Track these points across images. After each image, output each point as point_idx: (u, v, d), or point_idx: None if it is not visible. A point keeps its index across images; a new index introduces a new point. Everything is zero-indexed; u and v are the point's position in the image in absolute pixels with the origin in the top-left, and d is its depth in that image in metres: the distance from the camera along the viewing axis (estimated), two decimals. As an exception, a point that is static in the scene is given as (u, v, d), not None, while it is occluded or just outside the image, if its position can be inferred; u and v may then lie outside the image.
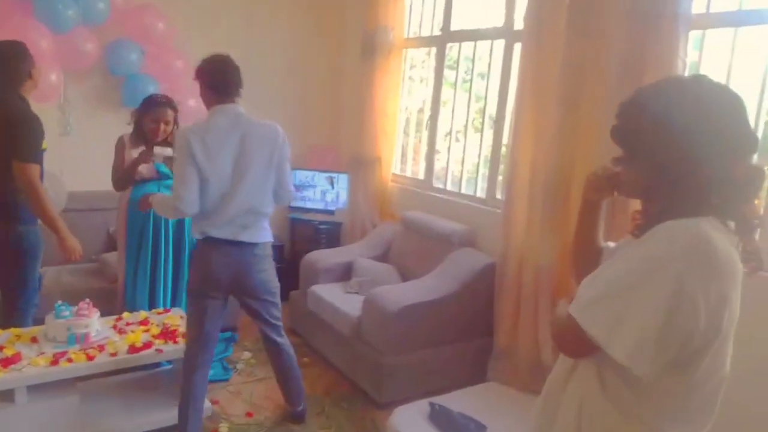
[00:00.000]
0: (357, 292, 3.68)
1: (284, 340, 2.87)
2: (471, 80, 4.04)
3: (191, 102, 4.23)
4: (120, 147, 3.19)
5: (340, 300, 3.56)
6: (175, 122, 3.20)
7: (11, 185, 2.75)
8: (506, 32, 3.66)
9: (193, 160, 2.41)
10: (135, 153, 3.12)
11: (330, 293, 3.65)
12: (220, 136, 2.48)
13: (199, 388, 2.63)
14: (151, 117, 3.09)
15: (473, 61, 4.02)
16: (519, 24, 3.55)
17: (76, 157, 4.02)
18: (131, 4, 3.95)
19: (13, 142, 2.70)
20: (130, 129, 3.22)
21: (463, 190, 4.08)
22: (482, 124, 3.97)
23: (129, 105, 4.03)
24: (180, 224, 3.25)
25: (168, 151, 3.02)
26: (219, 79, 2.57)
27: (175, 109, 3.17)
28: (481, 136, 3.97)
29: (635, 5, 2.63)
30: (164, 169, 3.12)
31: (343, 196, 4.72)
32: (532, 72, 3.18)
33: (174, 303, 3.30)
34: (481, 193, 3.91)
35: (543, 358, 3.10)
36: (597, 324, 1.15)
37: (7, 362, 2.40)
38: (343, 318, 3.41)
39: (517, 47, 3.54)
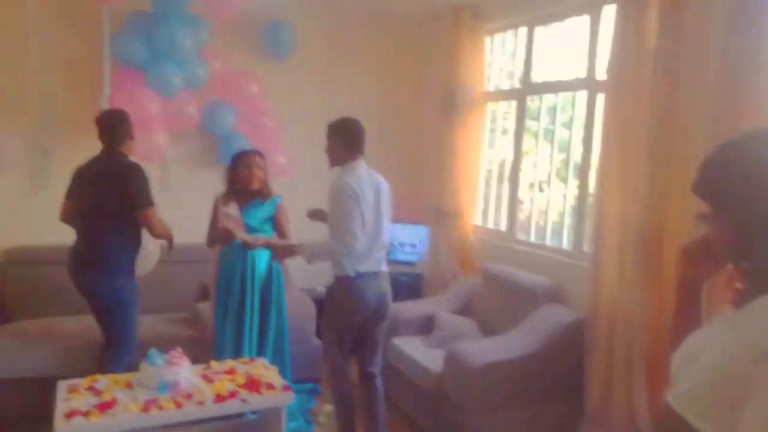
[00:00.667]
0: (438, 347, 3.61)
1: (380, 379, 3.08)
2: (554, 131, 3.98)
3: (281, 158, 4.46)
4: (215, 205, 3.37)
5: (421, 354, 3.51)
6: (266, 173, 3.34)
7: (116, 240, 2.98)
8: (588, 83, 3.61)
9: (358, 203, 2.80)
10: (229, 210, 3.28)
11: (411, 346, 3.61)
12: (366, 185, 2.88)
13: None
14: (242, 164, 3.26)
15: (555, 112, 3.98)
16: (601, 74, 3.50)
17: (174, 212, 4.27)
18: (227, 69, 4.25)
19: (126, 194, 3.01)
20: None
21: (548, 242, 3.97)
22: (566, 174, 3.89)
23: (224, 163, 4.29)
24: (268, 276, 3.35)
25: (260, 240, 3.17)
26: (355, 137, 2.97)
27: (263, 157, 3.32)
28: (566, 186, 3.88)
29: (728, 46, 2.52)
30: (255, 224, 3.26)
31: (425, 248, 4.72)
32: (618, 122, 3.10)
33: (260, 353, 3.37)
34: (567, 245, 3.79)
35: (639, 422, 2.88)
36: (707, 417, 1.03)
37: (104, 407, 2.53)
38: (423, 373, 3.35)
39: (601, 97, 3.48)
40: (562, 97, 3.91)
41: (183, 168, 4.39)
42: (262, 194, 3.29)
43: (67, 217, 3.18)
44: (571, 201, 3.80)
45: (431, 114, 4.89)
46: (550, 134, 4.05)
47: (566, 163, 3.89)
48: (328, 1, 4.47)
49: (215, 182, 4.24)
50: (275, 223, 3.36)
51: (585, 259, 3.49)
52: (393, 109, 5.03)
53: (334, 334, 3.00)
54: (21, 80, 3.68)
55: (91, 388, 2.70)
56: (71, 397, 2.61)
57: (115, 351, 3.16)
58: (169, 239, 3.29)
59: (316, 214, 3.22)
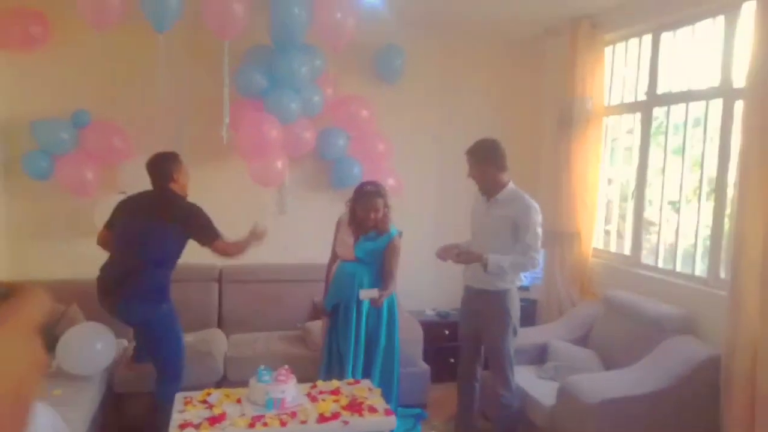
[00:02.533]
0: (552, 378, 3.39)
1: None
2: (684, 145, 3.61)
3: (390, 181, 4.48)
4: (337, 226, 3.45)
5: (533, 385, 3.31)
6: (386, 205, 3.30)
7: (165, 271, 3.15)
8: (724, 91, 3.25)
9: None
10: (346, 237, 3.34)
11: (522, 377, 3.41)
12: None
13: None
14: (362, 206, 3.28)
15: (685, 125, 3.61)
16: (740, 81, 3.14)
17: (290, 234, 4.46)
18: (340, 95, 4.37)
19: (191, 231, 3.13)
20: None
21: (678, 268, 3.59)
22: (700, 192, 3.51)
23: (337, 187, 4.41)
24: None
25: (373, 293, 3.18)
26: (505, 158, 3.14)
27: (384, 197, 3.31)
28: (698, 206, 3.49)
29: None
30: (362, 254, 3.29)
31: (539, 272, 4.48)
32: (760, 134, 2.75)
33: (366, 374, 3.35)
34: (700, 272, 3.41)
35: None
36: None
37: (214, 420, 2.63)
38: (535, 406, 3.14)
39: (739, 106, 3.13)
40: (693, 108, 3.55)
41: (298, 192, 4.55)
42: (378, 228, 3.30)
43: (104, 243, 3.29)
44: (706, 222, 3.41)
45: (548, 131, 4.69)
46: (680, 150, 3.69)
47: (700, 180, 3.51)
48: (438, 21, 4.46)
49: (328, 205, 4.39)
50: (383, 257, 3.33)
51: (721, 288, 3.13)
52: (507, 128, 4.85)
53: (513, 346, 3.19)
54: (152, 112, 4.02)
55: (204, 402, 2.83)
56: (186, 410, 2.74)
57: (177, 373, 3.21)
58: (247, 245, 3.29)
59: (446, 252, 3.17)
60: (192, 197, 3.41)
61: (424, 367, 3.92)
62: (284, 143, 4.11)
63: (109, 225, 3.28)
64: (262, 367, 2.97)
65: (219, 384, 3.51)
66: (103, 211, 3.88)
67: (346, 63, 4.36)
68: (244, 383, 2.97)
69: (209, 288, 4.11)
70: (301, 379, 3.05)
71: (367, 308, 3.34)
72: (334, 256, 3.45)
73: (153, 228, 3.12)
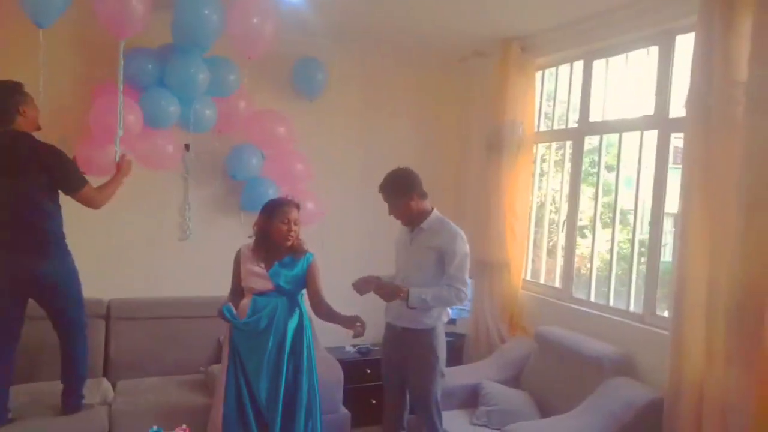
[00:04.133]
0: (485, 425, 3.12)
1: None
2: (597, 173, 3.54)
3: (309, 205, 4.09)
4: (235, 262, 2.97)
5: (466, 434, 3.01)
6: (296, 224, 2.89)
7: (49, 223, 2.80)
8: (659, 121, 3.17)
9: None
10: (255, 267, 2.88)
11: (453, 424, 3.10)
12: None
13: None
14: (279, 219, 2.83)
15: (618, 153, 3.54)
16: (676, 111, 3.07)
17: (192, 263, 3.95)
18: (254, 109, 3.94)
19: (55, 177, 2.77)
20: (249, 240, 2.98)
21: (612, 302, 3.46)
22: (612, 219, 3.45)
23: (247, 209, 3.96)
24: (297, 331, 2.90)
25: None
26: (421, 185, 2.91)
27: (299, 208, 2.91)
28: (612, 232, 3.44)
29: None
30: (283, 283, 2.84)
31: (467, 304, 4.23)
32: (702, 166, 2.64)
33: (286, 428, 2.86)
34: (635, 308, 3.28)
35: None
36: None
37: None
38: (470, 459, 2.84)
39: (675, 137, 3.06)
40: (627, 137, 3.47)
41: (204, 214, 4.05)
42: (295, 251, 2.88)
43: None
44: (623, 248, 3.35)
45: (475, 156, 4.49)
46: (589, 177, 3.66)
47: (612, 207, 3.49)
48: (361, 36, 4.17)
49: (239, 230, 3.91)
50: (307, 283, 2.89)
51: (660, 325, 3.00)
52: (433, 151, 4.64)
53: (440, 390, 2.91)
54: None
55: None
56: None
57: (81, 327, 2.99)
58: (117, 184, 3.09)
59: (366, 284, 2.83)
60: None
61: (344, 412, 3.53)
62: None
63: None
64: (155, 428, 2.47)
65: (102, 444, 2.94)
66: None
67: (262, 75, 3.94)
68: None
69: (94, 326, 3.43)
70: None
71: (289, 347, 2.86)
72: (237, 295, 2.92)
73: (17, 186, 2.73)
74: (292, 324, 2.84)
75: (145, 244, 3.88)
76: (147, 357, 3.57)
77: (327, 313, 2.88)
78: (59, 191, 2.87)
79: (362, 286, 2.85)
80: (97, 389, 3.20)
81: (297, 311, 2.87)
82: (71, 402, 2.94)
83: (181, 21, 3.28)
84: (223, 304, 2.76)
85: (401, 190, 2.84)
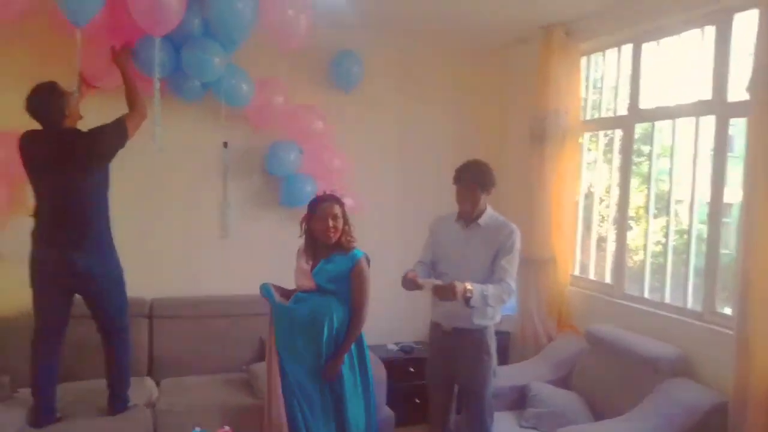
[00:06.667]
0: (534, 427, 3.00)
1: None
2: (649, 162, 3.37)
3: (348, 200, 4.01)
4: (297, 256, 2.89)
5: (514, 436, 2.90)
6: (345, 220, 2.81)
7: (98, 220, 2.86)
8: (717, 106, 2.97)
9: None
10: (303, 265, 2.82)
11: (502, 426, 2.99)
12: None
13: None
14: (318, 216, 2.77)
15: (672, 142, 3.34)
16: (735, 95, 2.87)
17: (234, 259, 3.94)
18: (291, 104, 3.89)
19: (104, 150, 2.84)
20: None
21: (667, 299, 3.28)
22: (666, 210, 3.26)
23: (286, 205, 3.92)
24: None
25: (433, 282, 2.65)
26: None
27: (342, 206, 2.83)
28: (666, 224, 3.27)
29: None
30: (322, 281, 2.76)
31: (513, 302, 4.09)
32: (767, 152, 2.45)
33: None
34: (694, 305, 3.09)
35: None
36: None
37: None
38: (520, 463, 2.73)
39: (734, 122, 2.87)
40: (681, 124, 3.28)
41: (243, 211, 4.01)
42: (342, 247, 2.80)
43: None
44: (676, 240, 3.17)
45: (516, 148, 4.33)
46: (639, 166, 3.50)
47: (664, 197, 3.34)
48: (398, 27, 4.06)
49: (277, 227, 3.90)
50: (350, 286, 2.74)
51: (722, 324, 2.82)
52: (472, 143, 4.49)
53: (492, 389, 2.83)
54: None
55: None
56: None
57: (125, 329, 3.03)
58: (129, 77, 3.07)
59: (425, 283, 2.66)
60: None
61: (388, 412, 3.45)
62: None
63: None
64: (197, 429, 2.45)
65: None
66: (10, 236, 3.30)
67: (299, 69, 3.88)
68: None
69: (137, 325, 3.45)
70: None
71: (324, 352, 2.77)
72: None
73: (67, 182, 2.79)
74: (328, 327, 2.70)
75: (185, 243, 3.88)
76: (190, 355, 3.57)
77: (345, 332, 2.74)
78: (107, 187, 2.91)
79: (415, 284, 2.66)
80: (141, 389, 3.22)
81: (336, 317, 2.71)
82: (116, 405, 2.96)
83: (214, 14, 3.22)
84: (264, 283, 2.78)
85: (484, 180, 2.76)
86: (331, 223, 2.72)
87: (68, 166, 2.78)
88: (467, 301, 2.54)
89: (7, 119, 3.07)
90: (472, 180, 2.76)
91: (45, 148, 2.81)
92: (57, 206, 2.82)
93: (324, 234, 2.73)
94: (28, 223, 2.94)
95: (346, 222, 2.80)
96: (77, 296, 2.92)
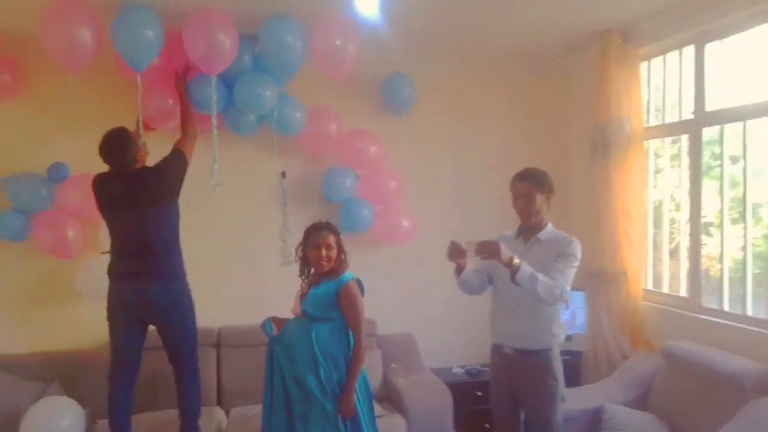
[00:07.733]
0: (612, 453, 2.84)
1: None
2: (721, 166, 3.17)
3: (405, 223, 4.02)
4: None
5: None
6: (340, 248, 2.80)
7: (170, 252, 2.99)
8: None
9: None
10: (299, 292, 2.84)
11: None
12: None
13: None
14: (311, 244, 2.79)
15: (744, 145, 3.14)
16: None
17: (297, 286, 3.97)
18: (344, 130, 3.94)
19: (171, 178, 2.99)
20: None
21: (749, 312, 3.05)
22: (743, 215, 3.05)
23: (345, 230, 3.94)
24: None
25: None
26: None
27: (336, 233, 2.83)
28: (744, 229, 3.03)
29: None
30: (308, 307, 2.73)
31: (581, 319, 3.94)
32: None
33: None
34: (778, 317, 2.87)
35: None
36: None
37: None
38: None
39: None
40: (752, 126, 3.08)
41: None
42: (333, 273, 2.78)
43: None
44: (757, 247, 2.95)
45: (578, 160, 4.21)
46: (710, 170, 3.35)
47: (741, 201, 3.13)
48: (448, 46, 4.04)
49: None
50: (339, 306, 2.71)
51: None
52: (529, 158, 4.31)
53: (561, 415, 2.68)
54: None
55: None
56: None
57: (196, 362, 3.14)
58: (184, 95, 3.29)
59: (456, 248, 2.60)
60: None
61: (456, 437, 3.38)
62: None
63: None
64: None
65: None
66: (86, 274, 3.49)
67: (351, 95, 3.93)
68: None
69: (205, 355, 3.55)
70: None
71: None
72: None
73: (141, 218, 2.93)
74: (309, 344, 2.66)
75: (248, 272, 3.98)
76: (257, 384, 3.59)
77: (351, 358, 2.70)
78: (178, 219, 3.06)
79: (462, 250, 2.58)
80: (211, 418, 3.29)
81: (315, 335, 2.66)
82: None
83: (267, 49, 3.33)
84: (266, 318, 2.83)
85: (546, 185, 2.68)
86: (324, 252, 2.72)
87: (143, 201, 2.92)
88: (513, 274, 2.44)
89: (81, 163, 3.28)
90: (534, 180, 2.66)
91: (119, 188, 2.95)
92: (132, 242, 2.95)
93: (317, 262, 2.75)
94: (102, 261, 3.11)
95: (341, 251, 2.80)
96: (150, 328, 3.05)
